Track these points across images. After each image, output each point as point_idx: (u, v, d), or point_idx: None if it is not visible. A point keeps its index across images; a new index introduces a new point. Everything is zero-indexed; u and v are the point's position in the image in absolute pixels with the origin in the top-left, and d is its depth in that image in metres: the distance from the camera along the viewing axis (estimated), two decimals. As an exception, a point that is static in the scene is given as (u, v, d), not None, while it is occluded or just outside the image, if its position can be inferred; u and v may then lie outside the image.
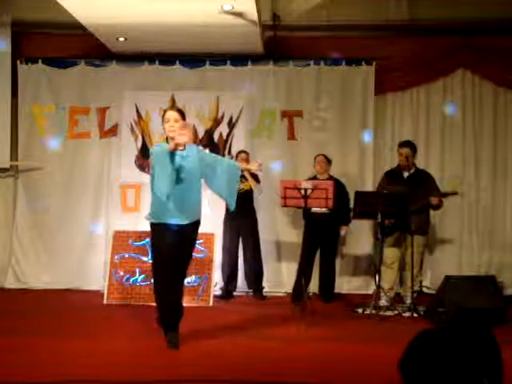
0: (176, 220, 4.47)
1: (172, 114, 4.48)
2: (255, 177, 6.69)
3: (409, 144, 6.39)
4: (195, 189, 4.56)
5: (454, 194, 6.25)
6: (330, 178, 6.59)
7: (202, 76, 7.29)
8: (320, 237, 6.50)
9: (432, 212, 6.53)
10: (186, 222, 4.51)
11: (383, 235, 6.19)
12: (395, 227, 6.16)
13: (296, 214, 6.89)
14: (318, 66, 7.21)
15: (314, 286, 6.73)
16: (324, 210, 6.25)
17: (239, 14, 5.88)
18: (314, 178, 6.60)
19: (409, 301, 6.09)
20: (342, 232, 6.72)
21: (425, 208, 6.24)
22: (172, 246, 4.45)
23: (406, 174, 6.34)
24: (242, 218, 6.60)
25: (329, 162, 6.73)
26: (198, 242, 6.32)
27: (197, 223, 4.65)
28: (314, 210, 6.27)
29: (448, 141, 7.29)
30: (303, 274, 6.23)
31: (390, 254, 6.31)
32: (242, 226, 6.66)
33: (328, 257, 6.68)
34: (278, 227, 7.21)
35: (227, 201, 4.87)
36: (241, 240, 6.72)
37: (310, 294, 6.38)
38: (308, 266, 6.40)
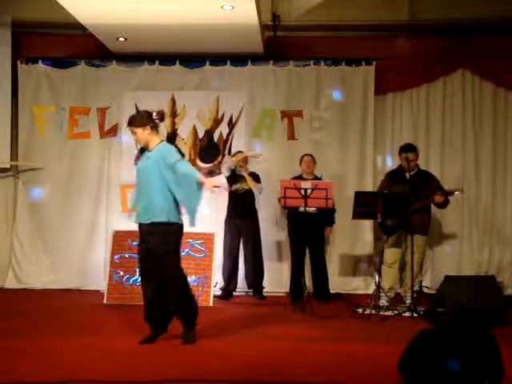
0: (136, 218, 4.63)
1: (130, 130, 4.66)
2: (256, 177, 6.69)
3: (412, 149, 6.31)
4: (154, 190, 4.47)
5: (459, 191, 6.22)
6: (316, 177, 6.62)
7: (202, 76, 7.29)
8: (307, 236, 6.47)
9: (433, 212, 6.53)
10: (141, 220, 4.57)
11: (386, 235, 6.20)
12: (397, 227, 6.14)
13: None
14: (317, 66, 7.21)
15: (310, 286, 6.74)
16: (312, 209, 6.25)
17: (239, 15, 5.88)
18: (300, 177, 6.61)
19: (409, 301, 6.09)
20: (326, 233, 6.73)
21: (427, 208, 6.24)
22: (139, 243, 4.70)
23: (408, 175, 6.33)
24: (243, 218, 6.61)
25: (315, 162, 6.74)
26: (196, 242, 6.46)
27: (159, 226, 4.47)
28: (302, 209, 6.24)
29: (448, 141, 7.29)
30: (297, 274, 6.23)
31: (391, 253, 6.31)
32: (243, 226, 6.65)
33: (317, 256, 6.68)
34: (278, 227, 7.20)
35: (187, 215, 4.54)
36: (242, 240, 6.72)
37: (309, 292, 6.38)
38: (300, 266, 6.35)
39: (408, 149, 6.31)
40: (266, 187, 6.83)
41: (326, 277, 6.73)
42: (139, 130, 4.55)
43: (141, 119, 4.58)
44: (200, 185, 4.43)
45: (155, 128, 4.60)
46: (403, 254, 6.38)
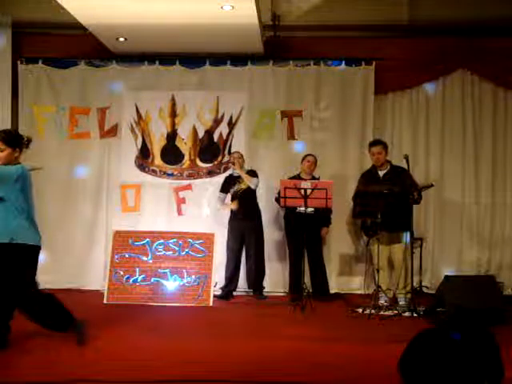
0: None
1: None
2: (253, 173, 6.67)
3: (378, 142, 6.38)
4: (6, 208, 4.31)
5: (430, 186, 6.23)
6: (313, 178, 6.62)
7: (202, 76, 7.29)
8: (305, 237, 6.45)
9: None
10: None
11: (367, 236, 6.18)
12: (378, 228, 6.05)
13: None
14: (317, 66, 7.21)
15: (309, 286, 6.75)
16: (310, 210, 6.24)
17: (239, 15, 5.88)
18: (298, 177, 6.60)
19: (402, 302, 6.09)
20: (323, 234, 6.74)
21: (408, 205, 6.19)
22: None
23: (381, 173, 6.32)
24: (246, 218, 6.60)
25: (316, 163, 6.74)
26: (196, 242, 6.46)
27: (7, 248, 4.35)
28: (300, 210, 6.23)
29: (448, 141, 7.29)
30: (296, 275, 6.22)
31: (378, 255, 6.22)
32: (246, 227, 6.63)
33: (315, 256, 6.68)
34: (278, 227, 7.20)
35: None
36: (245, 240, 6.69)
37: (309, 292, 6.39)
38: (298, 267, 6.32)
39: (373, 143, 6.41)
40: (266, 187, 6.83)
41: (324, 275, 6.74)
42: (9, 150, 4.31)
43: (14, 140, 4.39)
44: None
45: (20, 152, 4.44)
46: (389, 253, 6.34)
